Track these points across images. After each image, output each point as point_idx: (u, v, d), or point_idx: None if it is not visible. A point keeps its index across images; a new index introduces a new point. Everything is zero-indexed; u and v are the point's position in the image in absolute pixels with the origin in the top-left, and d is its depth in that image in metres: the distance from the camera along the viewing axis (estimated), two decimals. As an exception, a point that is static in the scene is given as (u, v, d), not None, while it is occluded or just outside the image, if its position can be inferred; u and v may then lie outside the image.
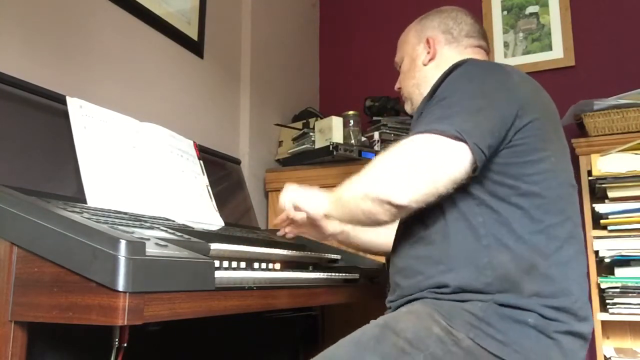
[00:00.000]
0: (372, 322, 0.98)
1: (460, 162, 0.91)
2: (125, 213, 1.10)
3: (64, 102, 1.22)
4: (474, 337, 0.89)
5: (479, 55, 1.22)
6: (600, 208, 1.91)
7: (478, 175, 0.95)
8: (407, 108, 1.31)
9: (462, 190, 0.96)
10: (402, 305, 1.03)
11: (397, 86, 1.34)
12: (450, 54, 1.21)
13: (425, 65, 1.23)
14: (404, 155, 0.95)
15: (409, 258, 1.04)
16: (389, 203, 0.92)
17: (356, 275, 1.34)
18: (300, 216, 1.21)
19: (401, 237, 1.08)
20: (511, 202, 0.96)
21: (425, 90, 1.17)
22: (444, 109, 0.96)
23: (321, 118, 2.29)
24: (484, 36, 1.26)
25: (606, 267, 1.95)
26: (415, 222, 1.02)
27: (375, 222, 0.99)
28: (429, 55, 1.23)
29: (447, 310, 0.93)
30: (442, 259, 0.98)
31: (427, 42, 1.23)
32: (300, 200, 1.18)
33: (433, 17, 1.27)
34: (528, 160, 0.97)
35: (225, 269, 0.90)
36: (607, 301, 1.88)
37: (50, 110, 1.20)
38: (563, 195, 1.01)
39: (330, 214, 1.11)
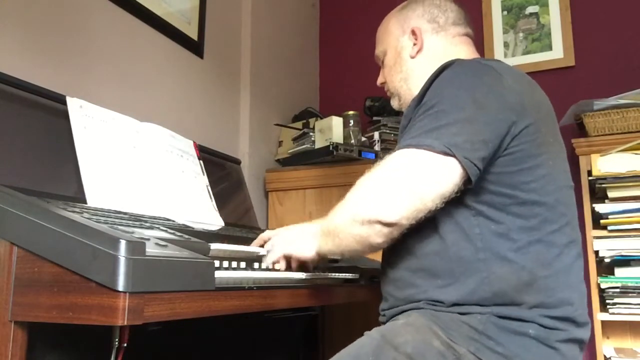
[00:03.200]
0: (368, 333, 0.95)
1: (448, 178, 0.88)
2: (125, 213, 1.10)
3: (64, 102, 1.21)
4: (475, 351, 0.87)
5: (467, 45, 1.17)
6: (600, 208, 1.91)
7: (474, 186, 0.91)
8: (394, 104, 1.26)
9: (457, 201, 0.92)
10: (396, 314, 1.00)
11: (380, 81, 1.28)
12: (438, 44, 1.16)
13: (412, 57, 1.17)
14: (389, 172, 0.91)
15: (402, 269, 1.00)
16: (379, 222, 0.88)
17: (356, 275, 1.33)
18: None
19: (392, 246, 1.01)
20: (510, 211, 0.93)
21: (413, 84, 1.15)
22: (432, 120, 0.91)
23: (321, 118, 2.29)
24: (469, 22, 1.21)
25: (606, 267, 1.95)
26: (407, 232, 0.94)
27: (370, 247, 0.94)
28: (415, 47, 1.16)
29: (446, 323, 0.90)
30: (437, 273, 0.94)
31: (413, 32, 1.17)
32: (288, 249, 1.08)
33: (415, 5, 1.20)
34: (525, 167, 0.94)
35: (225, 269, 0.90)
36: (607, 301, 1.87)
37: (50, 110, 1.20)
38: (561, 198, 0.98)
39: (322, 250, 1.03)
